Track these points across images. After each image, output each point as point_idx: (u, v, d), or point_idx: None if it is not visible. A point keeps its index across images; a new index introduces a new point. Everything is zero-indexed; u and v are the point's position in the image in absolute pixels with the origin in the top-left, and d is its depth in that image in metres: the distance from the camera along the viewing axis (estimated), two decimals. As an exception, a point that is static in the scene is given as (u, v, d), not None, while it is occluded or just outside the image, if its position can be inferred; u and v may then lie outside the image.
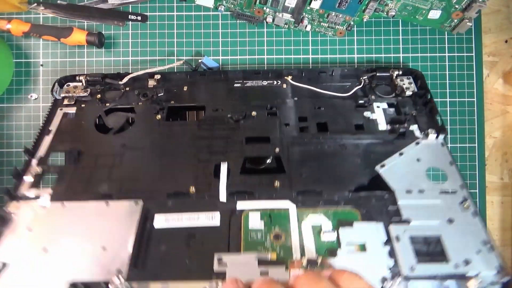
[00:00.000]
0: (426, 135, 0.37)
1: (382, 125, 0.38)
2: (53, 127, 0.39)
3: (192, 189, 0.32)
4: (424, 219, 0.31)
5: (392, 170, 0.34)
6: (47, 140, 0.38)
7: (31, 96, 0.46)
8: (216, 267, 0.27)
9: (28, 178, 0.35)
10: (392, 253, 0.29)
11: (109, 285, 0.27)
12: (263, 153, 0.35)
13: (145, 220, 0.31)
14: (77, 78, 0.42)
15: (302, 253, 0.29)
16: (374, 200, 0.32)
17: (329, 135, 0.36)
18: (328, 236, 0.30)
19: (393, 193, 0.32)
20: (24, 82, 0.46)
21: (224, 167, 0.33)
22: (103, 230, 0.30)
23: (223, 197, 0.31)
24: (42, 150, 0.37)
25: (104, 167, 0.35)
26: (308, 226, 0.31)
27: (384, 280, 0.27)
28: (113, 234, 0.30)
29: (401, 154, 0.36)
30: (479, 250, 0.30)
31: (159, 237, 0.30)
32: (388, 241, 0.29)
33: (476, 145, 0.45)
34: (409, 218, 0.31)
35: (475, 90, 0.45)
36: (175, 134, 0.36)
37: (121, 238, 0.30)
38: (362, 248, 0.29)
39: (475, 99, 0.45)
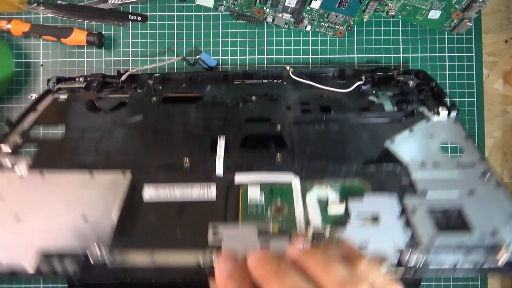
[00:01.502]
0: (437, 113, 0.34)
1: (389, 107, 0.36)
2: (41, 107, 0.36)
3: (186, 161, 0.29)
4: (441, 191, 0.28)
5: (403, 145, 0.32)
6: (32, 116, 0.35)
7: (31, 96, 0.46)
8: (211, 239, 0.24)
9: (5, 148, 0.32)
10: (408, 225, 0.26)
11: (88, 254, 0.23)
12: (263, 131, 0.32)
13: (133, 191, 0.27)
14: (77, 79, 0.41)
15: (308, 225, 0.26)
16: (385, 173, 0.29)
17: (333, 114, 0.33)
18: (336, 209, 0.27)
19: (406, 167, 0.30)
20: (24, 82, 0.46)
21: (221, 141, 0.30)
22: (85, 201, 0.27)
23: (220, 170, 0.28)
24: (25, 125, 0.34)
25: (91, 141, 0.32)
26: (313, 199, 0.27)
27: (400, 252, 0.24)
28: (96, 205, 0.27)
29: (411, 130, 0.33)
30: (507, 220, 0.26)
31: (147, 209, 0.27)
32: (403, 213, 0.26)
33: (476, 145, 0.45)
34: (425, 190, 0.28)
35: (475, 90, 0.45)
36: (169, 114, 0.34)
37: (105, 209, 0.27)
38: (374, 220, 0.26)
39: (475, 99, 0.45)
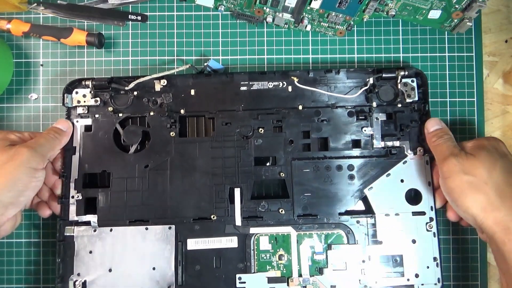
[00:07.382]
0: (415, 153, 0.40)
1: (378, 140, 0.41)
2: (76, 143, 0.41)
3: (214, 216, 0.39)
4: (394, 240, 0.39)
5: (378, 192, 0.40)
6: (75, 160, 0.41)
7: (31, 96, 0.46)
8: (238, 284, 0.38)
9: (72, 202, 0.40)
10: (364, 270, 0.38)
11: None
12: (270, 177, 0.40)
13: (180, 243, 0.39)
14: (83, 83, 0.42)
15: (299, 271, 0.38)
16: (358, 223, 0.39)
17: (327, 158, 0.40)
18: (319, 257, 0.39)
19: (374, 217, 0.39)
20: (24, 82, 0.46)
21: (237, 194, 0.39)
22: (148, 252, 0.39)
23: (238, 221, 0.39)
24: (74, 172, 0.40)
25: (133, 190, 0.40)
26: (304, 248, 0.39)
27: None
28: (157, 256, 0.39)
29: (388, 175, 0.40)
30: (428, 266, 0.38)
31: (192, 257, 0.38)
32: (364, 261, 0.38)
33: (476, 145, 0.45)
34: (382, 239, 0.39)
35: (475, 90, 0.45)
36: (189, 153, 0.41)
37: (164, 259, 0.38)
38: (344, 267, 0.38)
39: (475, 99, 0.45)
